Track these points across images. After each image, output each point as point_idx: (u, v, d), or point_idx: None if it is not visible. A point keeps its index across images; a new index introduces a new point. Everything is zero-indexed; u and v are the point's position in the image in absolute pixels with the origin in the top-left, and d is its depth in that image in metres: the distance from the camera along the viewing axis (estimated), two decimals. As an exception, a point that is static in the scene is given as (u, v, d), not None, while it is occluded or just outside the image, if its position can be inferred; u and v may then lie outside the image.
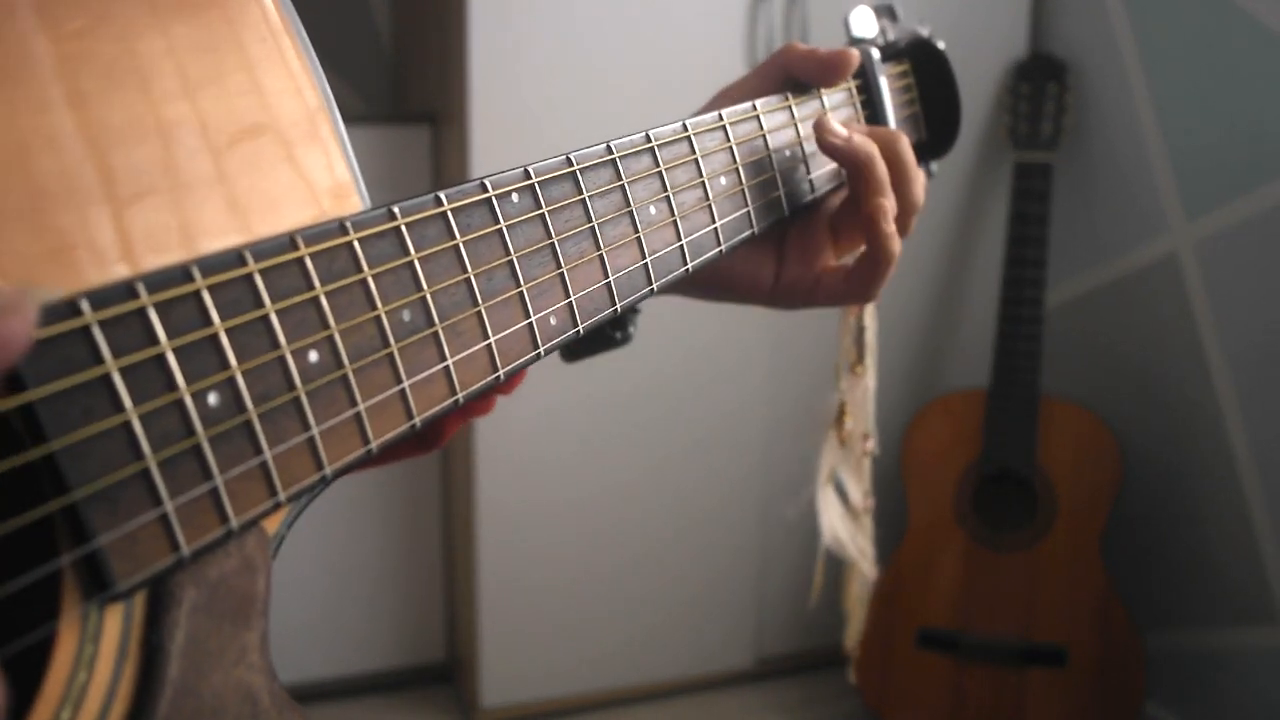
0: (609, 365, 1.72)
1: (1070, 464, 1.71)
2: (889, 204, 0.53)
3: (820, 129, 0.53)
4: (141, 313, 0.29)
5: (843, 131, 0.53)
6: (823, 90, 0.57)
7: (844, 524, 0.70)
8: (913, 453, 1.78)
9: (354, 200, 0.37)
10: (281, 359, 0.32)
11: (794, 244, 0.57)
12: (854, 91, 0.59)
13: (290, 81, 0.36)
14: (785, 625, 1.96)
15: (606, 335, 0.61)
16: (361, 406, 0.35)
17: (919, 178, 0.56)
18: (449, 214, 0.37)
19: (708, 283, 0.59)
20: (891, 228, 0.53)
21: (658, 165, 0.46)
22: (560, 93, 1.60)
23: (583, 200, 0.42)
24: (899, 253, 0.54)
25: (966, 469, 1.75)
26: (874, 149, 0.53)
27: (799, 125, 0.55)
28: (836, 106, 0.58)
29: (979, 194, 1.91)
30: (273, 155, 0.35)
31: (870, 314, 0.66)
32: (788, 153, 0.54)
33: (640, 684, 1.89)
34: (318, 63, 0.37)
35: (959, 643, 1.74)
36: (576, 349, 0.62)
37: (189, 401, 0.30)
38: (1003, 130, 1.83)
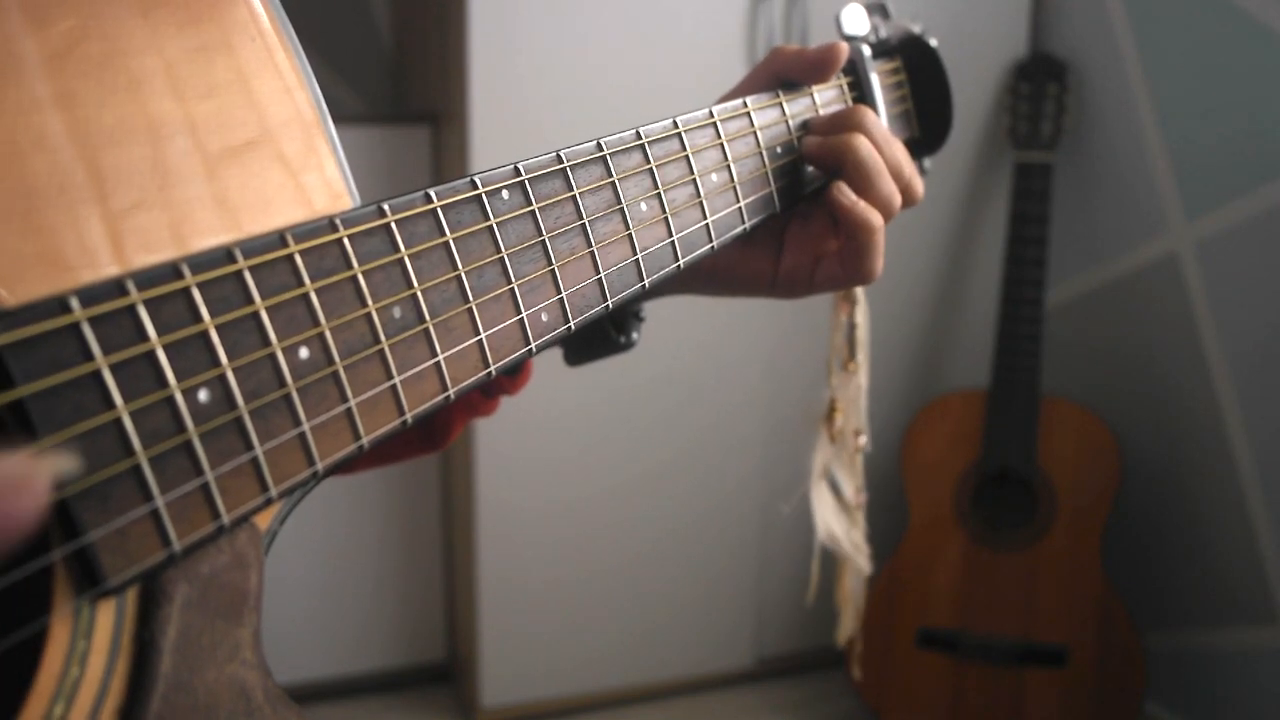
0: (609, 365, 1.72)
1: (1070, 464, 1.71)
2: (839, 181, 0.54)
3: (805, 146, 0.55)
4: (131, 310, 0.29)
5: (813, 137, 0.54)
6: (814, 87, 0.57)
7: (838, 519, 0.70)
8: (913, 453, 1.78)
9: (344, 199, 0.37)
10: (272, 356, 0.32)
11: (794, 233, 0.57)
12: (845, 89, 0.60)
13: (280, 81, 0.36)
14: (785, 625, 1.96)
15: (610, 340, 0.61)
16: (353, 402, 0.35)
17: (891, 142, 0.56)
18: (439, 211, 0.37)
19: (708, 277, 0.59)
20: (850, 199, 0.53)
21: (648, 162, 0.46)
22: (560, 93, 1.60)
23: (573, 197, 0.43)
24: (876, 223, 0.53)
25: (966, 469, 1.75)
26: (848, 141, 0.54)
27: (790, 121, 0.55)
28: (828, 103, 0.58)
29: (979, 194, 1.91)
30: (263, 154, 0.35)
31: (861, 311, 0.66)
32: (779, 149, 0.54)
33: (640, 684, 1.89)
34: (307, 63, 0.37)
35: (959, 642, 1.74)
36: (580, 353, 0.62)
37: (179, 398, 0.30)
38: (1003, 130, 1.83)
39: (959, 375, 1.96)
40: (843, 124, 0.55)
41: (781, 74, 0.57)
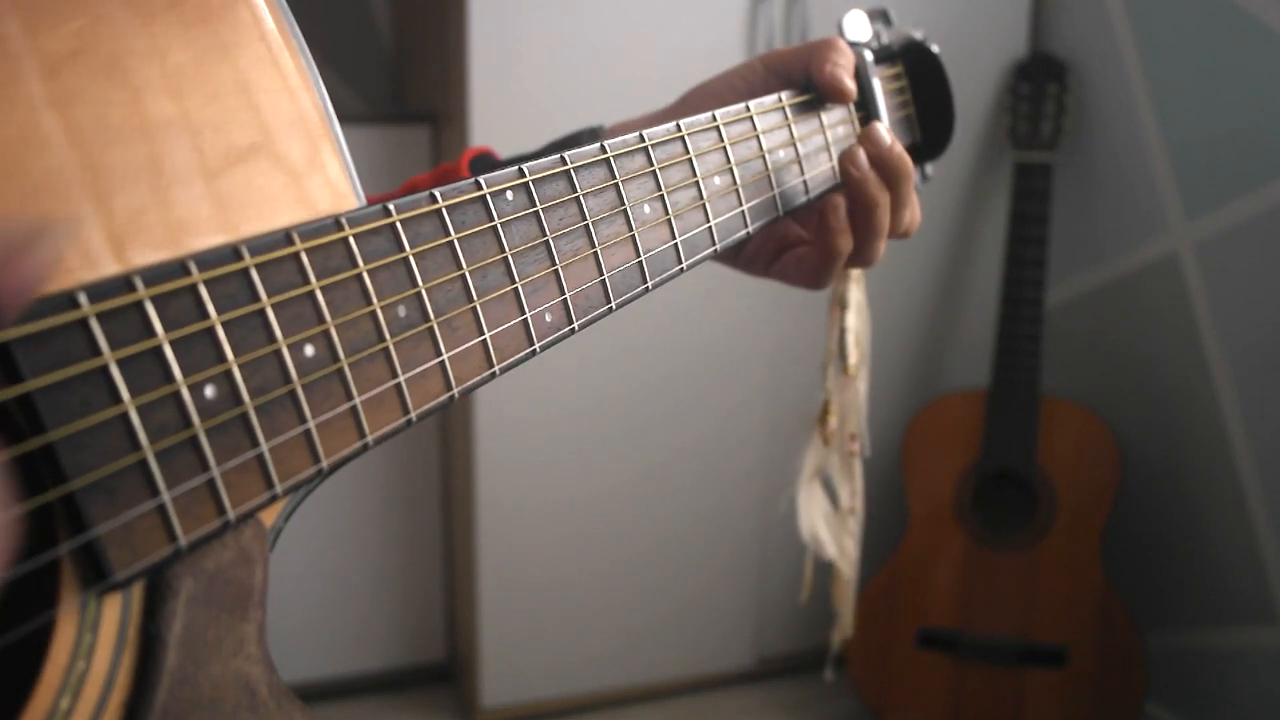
0: (609, 365, 1.72)
1: (1070, 464, 1.71)
2: (840, 200, 0.55)
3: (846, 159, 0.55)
4: (139, 306, 0.29)
5: (864, 164, 0.54)
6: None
7: (826, 523, 0.70)
8: (913, 452, 1.79)
9: (349, 200, 0.38)
10: (278, 353, 0.33)
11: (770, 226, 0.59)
12: (848, 93, 0.60)
13: (281, 81, 0.36)
14: (785, 625, 1.97)
15: None
16: (357, 400, 0.35)
17: (914, 207, 0.58)
18: (443, 211, 0.38)
19: None
20: (840, 223, 0.54)
21: (651, 164, 0.47)
22: (561, 93, 1.60)
23: (576, 198, 0.43)
24: (846, 250, 0.55)
25: (966, 469, 1.75)
26: (882, 201, 0.55)
27: (793, 126, 0.56)
28: (831, 108, 0.58)
29: (979, 194, 1.91)
30: (263, 156, 0.35)
31: (854, 315, 0.66)
32: (781, 154, 0.55)
33: (640, 684, 1.90)
34: (313, 62, 0.37)
35: (959, 643, 1.74)
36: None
37: (186, 393, 0.30)
38: (1003, 130, 1.83)
39: (959, 375, 1.96)
40: (891, 174, 0.55)
41: (778, 67, 0.58)
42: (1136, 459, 1.77)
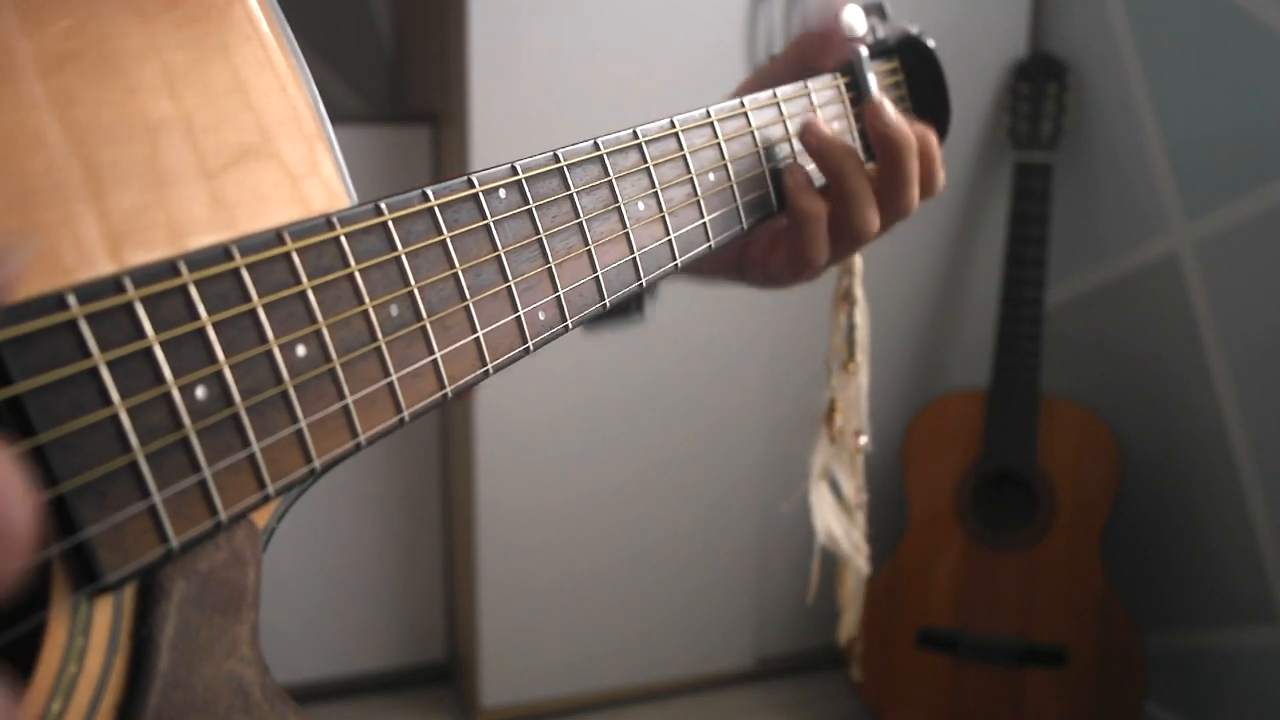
0: (609, 365, 1.72)
1: (1070, 464, 1.71)
2: (797, 164, 0.54)
3: (805, 130, 0.54)
4: (129, 307, 0.29)
5: (825, 131, 0.54)
6: (811, 88, 0.57)
7: (838, 520, 0.70)
8: (913, 452, 1.78)
9: (342, 199, 0.37)
10: (269, 353, 0.33)
11: (765, 223, 0.58)
12: (843, 89, 0.60)
13: (276, 80, 0.36)
14: (785, 625, 1.96)
15: (625, 311, 0.61)
16: (349, 400, 0.35)
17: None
18: (436, 209, 0.38)
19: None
20: (796, 181, 0.53)
21: (645, 161, 0.47)
22: (560, 93, 1.60)
23: (570, 196, 0.43)
24: (816, 213, 0.53)
25: (966, 469, 1.75)
26: (847, 154, 0.54)
27: (787, 122, 0.56)
28: (825, 104, 0.58)
29: (979, 194, 1.91)
30: (259, 154, 0.35)
31: (861, 311, 0.66)
32: (776, 149, 0.55)
33: (640, 684, 1.89)
34: (304, 61, 0.37)
35: (959, 643, 1.74)
36: (593, 321, 0.63)
37: (176, 395, 0.30)
38: (1003, 130, 1.83)
39: (959, 375, 1.96)
40: (892, 158, 0.55)
41: (804, 52, 0.58)
42: (1136, 459, 1.77)
